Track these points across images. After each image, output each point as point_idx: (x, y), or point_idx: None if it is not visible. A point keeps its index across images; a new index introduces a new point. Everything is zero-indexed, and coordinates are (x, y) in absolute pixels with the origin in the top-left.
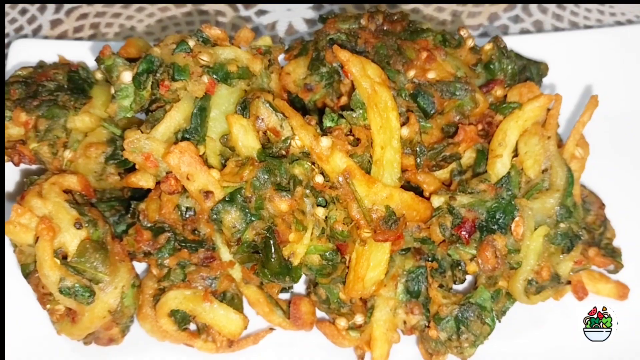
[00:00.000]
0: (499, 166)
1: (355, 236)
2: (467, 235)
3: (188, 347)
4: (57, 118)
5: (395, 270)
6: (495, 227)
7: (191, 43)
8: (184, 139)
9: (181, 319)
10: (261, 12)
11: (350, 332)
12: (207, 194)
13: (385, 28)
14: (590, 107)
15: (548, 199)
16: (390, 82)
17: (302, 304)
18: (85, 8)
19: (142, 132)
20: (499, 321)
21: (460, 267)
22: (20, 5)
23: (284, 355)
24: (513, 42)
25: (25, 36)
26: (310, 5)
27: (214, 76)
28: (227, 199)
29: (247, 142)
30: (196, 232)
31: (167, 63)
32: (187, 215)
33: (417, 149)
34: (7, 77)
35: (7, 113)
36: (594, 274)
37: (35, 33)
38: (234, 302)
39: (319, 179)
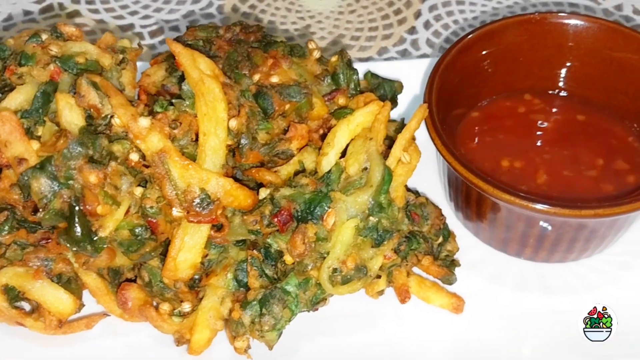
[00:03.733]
0: (325, 164)
1: (168, 215)
2: (282, 223)
3: None
4: None
5: (227, 261)
6: (309, 217)
7: (44, 36)
8: (23, 118)
9: (13, 296)
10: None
11: (174, 317)
12: (21, 160)
13: (240, 37)
14: (417, 114)
15: (363, 194)
16: (235, 83)
17: (130, 290)
18: None
19: None
20: (309, 311)
21: (282, 259)
22: None
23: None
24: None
25: None
26: None
27: (60, 65)
28: (37, 167)
29: (72, 118)
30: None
31: (18, 51)
32: (29, 197)
33: (241, 139)
34: None
35: None
36: (425, 281)
37: None
38: (70, 285)
39: (134, 156)
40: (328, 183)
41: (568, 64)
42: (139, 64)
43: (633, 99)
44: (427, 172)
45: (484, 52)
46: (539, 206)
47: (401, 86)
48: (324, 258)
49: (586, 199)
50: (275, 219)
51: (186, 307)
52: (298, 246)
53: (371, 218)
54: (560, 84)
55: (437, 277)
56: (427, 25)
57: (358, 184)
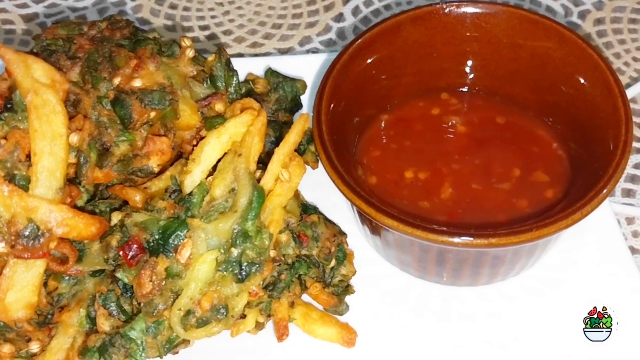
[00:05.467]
0: (188, 183)
1: None
2: (129, 257)
3: None
4: None
5: (82, 295)
6: (161, 248)
7: None
8: None
9: None
10: None
11: None
12: None
13: (105, 35)
14: (297, 125)
15: (226, 221)
16: (92, 89)
17: None
18: None
19: None
20: (162, 356)
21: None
22: None
23: None
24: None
25: None
26: None
27: None
28: None
29: None
30: None
31: None
32: None
33: (81, 158)
34: None
35: None
36: (312, 312)
37: None
38: None
39: None
40: (188, 207)
41: (488, 59)
42: None
43: (557, 97)
44: None
45: (390, 48)
46: (425, 234)
47: (304, 86)
48: (179, 296)
49: (481, 224)
50: (123, 251)
51: (34, 347)
52: (144, 285)
53: (233, 249)
54: (481, 81)
55: (326, 307)
56: (355, 11)
57: (223, 208)
